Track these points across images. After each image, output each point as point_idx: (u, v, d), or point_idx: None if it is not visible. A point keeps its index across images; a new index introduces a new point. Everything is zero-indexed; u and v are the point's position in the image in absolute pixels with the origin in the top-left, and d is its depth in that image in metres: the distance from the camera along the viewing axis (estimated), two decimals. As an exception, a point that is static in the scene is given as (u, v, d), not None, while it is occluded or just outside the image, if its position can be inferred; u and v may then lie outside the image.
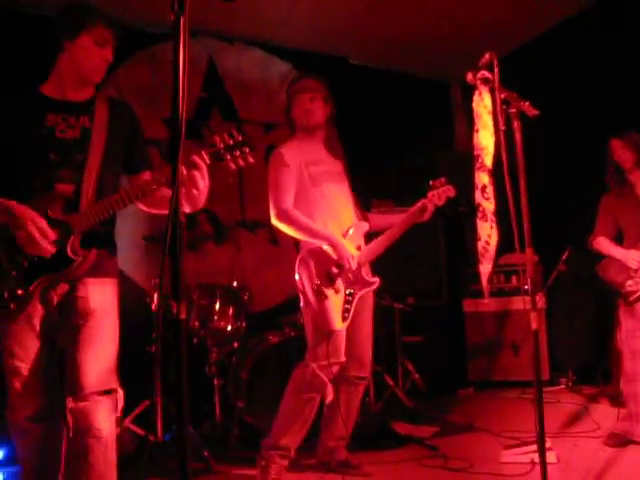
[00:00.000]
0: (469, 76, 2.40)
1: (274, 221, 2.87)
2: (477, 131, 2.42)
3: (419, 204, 2.95)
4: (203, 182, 2.00)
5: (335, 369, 2.74)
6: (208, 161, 2.01)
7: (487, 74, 2.32)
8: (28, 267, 1.97)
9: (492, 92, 2.31)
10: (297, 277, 2.76)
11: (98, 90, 2.26)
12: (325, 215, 2.89)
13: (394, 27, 4.98)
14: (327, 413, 2.99)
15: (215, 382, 3.61)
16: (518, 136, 2.21)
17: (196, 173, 1.97)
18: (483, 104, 2.36)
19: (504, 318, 5.09)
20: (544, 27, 5.05)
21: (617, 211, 3.51)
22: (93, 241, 2.07)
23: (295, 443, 2.81)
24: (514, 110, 2.22)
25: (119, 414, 2.12)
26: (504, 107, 2.23)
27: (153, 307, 3.55)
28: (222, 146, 2.01)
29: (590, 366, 4.64)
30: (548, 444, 2.74)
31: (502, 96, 2.24)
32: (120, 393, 2.11)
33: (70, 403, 2.00)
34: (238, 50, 5.15)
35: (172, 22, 1.24)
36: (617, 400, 3.73)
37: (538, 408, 2.12)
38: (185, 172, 1.95)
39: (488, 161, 2.39)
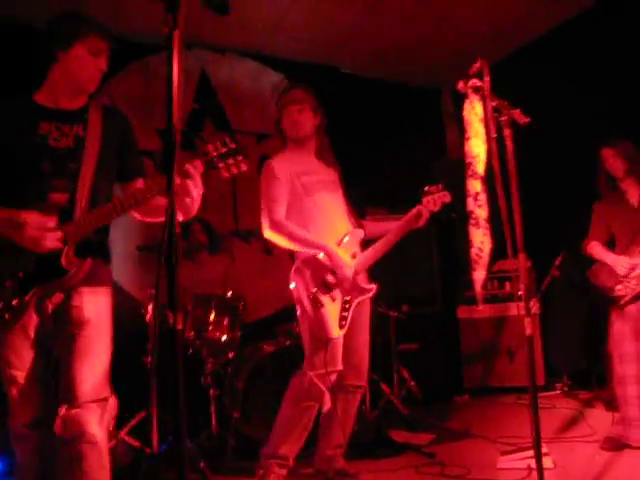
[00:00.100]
0: (460, 84, 2.42)
1: (267, 233, 2.86)
2: (468, 139, 2.44)
3: (414, 210, 2.95)
4: (196, 191, 2.00)
5: (333, 377, 2.74)
6: (202, 169, 2.01)
7: (478, 82, 2.34)
8: (23, 277, 1.97)
9: (483, 100, 2.33)
10: (292, 286, 2.76)
11: (92, 99, 2.26)
12: (319, 224, 2.88)
13: (385, 36, 5.01)
14: (324, 422, 2.97)
15: (211, 393, 3.60)
16: (509, 144, 2.23)
17: (189, 182, 1.98)
18: (474, 112, 2.38)
19: (499, 324, 5.11)
20: (534, 34, 5.09)
21: (609, 218, 3.55)
22: (87, 250, 2.07)
23: (293, 452, 2.80)
24: (505, 118, 2.24)
25: (113, 422, 2.12)
26: (495, 115, 2.25)
27: (147, 318, 3.54)
28: (215, 154, 2.02)
29: (585, 371, 4.66)
30: (544, 449, 2.74)
31: (493, 104, 2.26)
32: (112, 401, 2.12)
33: (62, 411, 2.00)
34: (230, 61, 5.18)
35: (166, 36, 1.26)
36: (612, 404, 3.74)
37: (534, 414, 2.13)
38: (178, 181, 1.95)
39: (480, 169, 2.41)
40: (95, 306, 2.11)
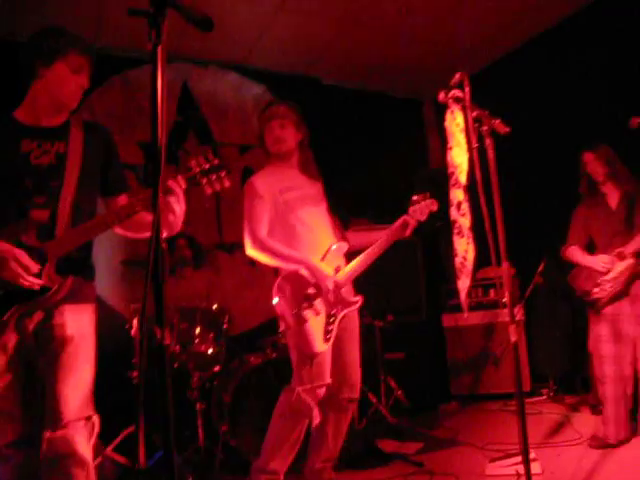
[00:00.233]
0: (441, 95, 2.44)
1: (249, 251, 2.85)
2: (450, 149, 2.46)
3: (400, 220, 2.95)
4: (179, 207, 2.00)
5: (321, 392, 2.72)
6: (184, 185, 2.01)
7: (458, 93, 2.37)
8: (2, 296, 1.93)
9: (464, 110, 2.36)
10: (275, 302, 2.75)
11: (73, 113, 2.24)
12: (303, 240, 2.87)
13: (365, 48, 5.07)
14: (315, 435, 2.95)
15: (198, 406, 3.57)
16: (491, 153, 2.26)
17: (172, 198, 1.98)
18: (455, 122, 2.41)
19: (484, 332, 5.13)
20: (513, 44, 5.18)
21: (589, 221, 3.61)
22: (69, 267, 2.04)
23: (283, 467, 2.78)
24: (486, 128, 2.27)
25: (95, 440, 2.09)
26: (476, 125, 2.27)
27: (132, 333, 3.51)
28: (198, 170, 2.02)
29: (570, 375, 4.70)
30: (532, 455, 2.77)
31: (474, 114, 2.29)
32: (95, 419, 2.09)
33: (48, 433, 1.96)
34: (212, 74, 5.19)
35: (150, 52, 1.26)
36: (598, 408, 3.79)
37: (521, 420, 2.14)
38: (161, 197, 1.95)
39: (462, 178, 2.43)
40: (78, 324, 2.08)
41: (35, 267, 1.93)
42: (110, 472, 3.33)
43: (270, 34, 4.73)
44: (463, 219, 2.49)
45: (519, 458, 2.30)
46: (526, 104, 4.69)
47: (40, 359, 2.04)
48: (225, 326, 3.76)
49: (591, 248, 3.60)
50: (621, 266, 3.36)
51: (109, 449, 3.34)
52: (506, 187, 2.32)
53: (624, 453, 3.19)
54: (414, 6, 4.47)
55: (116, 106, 4.72)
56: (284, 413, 2.75)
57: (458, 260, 2.51)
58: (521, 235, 3.57)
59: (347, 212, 5.12)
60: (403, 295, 5.28)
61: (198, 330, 3.65)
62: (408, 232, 2.96)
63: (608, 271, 3.39)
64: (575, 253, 3.60)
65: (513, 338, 2.19)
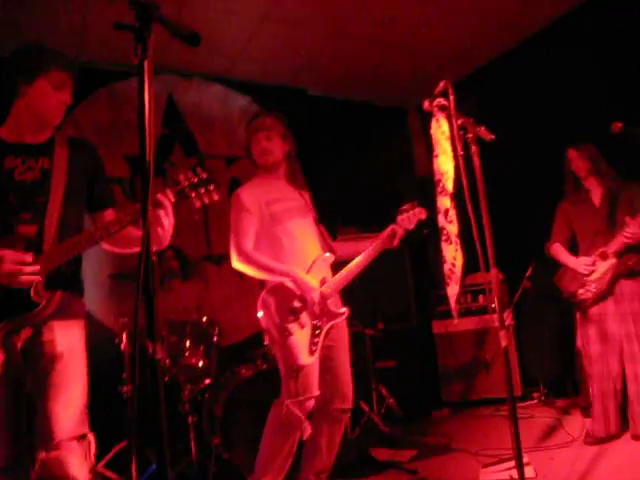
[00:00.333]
0: (426, 104, 2.46)
1: (235, 264, 2.84)
2: (437, 157, 2.48)
3: (388, 230, 2.94)
4: (168, 220, 2.00)
5: (309, 404, 2.70)
6: (173, 199, 2.01)
7: (443, 101, 2.39)
8: None
9: (449, 118, 2.38)
10: (260, 315, 2.74)
11: (57, 129, 2.24)
12: (289, 253, 2.85)
13: (350, 58, 5.10)
14: (308, 447, 2.93)
15: (189, 420, 3.55)
16: (476, 160, 2.28)
17: (161, 212, 1.98)
18: (441, 130, 2.43)
19: (474, 337, 5.15)
20: (497, 50, 5.23)
21: (572, 217, 3.67)
22: (58, 283, 2.03)
23: None
24: (471, 135, 2.29)
25: (93, 460, 2.07)
26: (461, 133, 2.30)
27: (122, 347, 3.49)
28: (187, 184, 2.03)
29: (561, 379, 4.72)
30: (525, 459, 2.77)
31: (459, 122, 2.31)
32: (91, 438, 2.07)
33: (42, 454, 1.94)
34: (197, 86, 5.20)
35: (135, 65, 1.26)
36: (588, 411, 3.81)
37: (513, 425, 2.15)
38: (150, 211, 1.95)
39: (449, 185, 2.44)
40: (68, 340, 2.06)
41: (29, 256, 1.92)
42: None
43: (255, 45, 4.75)
44: (451, 226, 2.50)
45: (512, 463, 2.31)
46: (511, 110, 4.74)
47: (29, 377, 2.01)
48: (215, 338, 3.75)
49: (574, 245, 3.66)
50: (604, 266, 3.42)
51: (100, 465, 3.30)
52: (492, 193, 2.35)
53: (617, 455, 3.21)
54: (396, 16, 4.51)
55: (102, 119, 4.72)
56: (275, 427, 2.74)
57: (447, 267, 2.52)
58: (508, 240, 3.60)
59: (335, 221, 5.17)
60: (392, 303, 5.30)
61: (188, 343, 3.64)
62: (396, 242, 2.96)
63: (591, 273, 3.44)
64: (559, 251, 3.65)
65: (503, 343, 2.20)
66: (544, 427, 3.97)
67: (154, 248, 2.00)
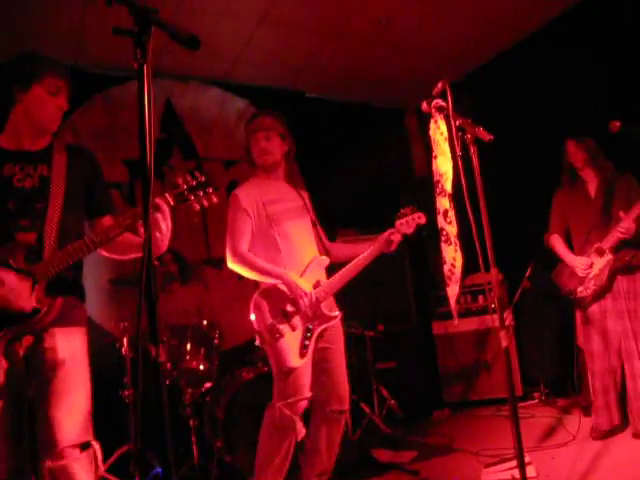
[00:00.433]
0: (424, 105, 2.47)
1: (230, 264, 2.85)
2: (435, 158, 2.49)
3: (385, 235, 2.93)
4: (165, 224, 2.00)
5: (301, 405, 2.70)
6: (172, 203, 2.02)
7: (441, 102, 2.40)
8: None
9: (447, 119, 2.39)
10: (252, 317, 2.74)
11: (55, 136, 2.25)
12: (285, 254, 2.85)
13: (348, 59, 5.10)
14: (308, 449, 2.93)
15: (191, 423, 3.55)
16: (475, 160, 2.29)
17: (158, 216, 1.98)
18: (439, 131, 2.44)
19: (474, 338, 5.16)
20: (494, 50, 5.23)
21: (567, 207, 3.69)
22: (59, 289, 2.03)
23: None
24: (470, 136, 2.29)
25: (101, 469, 2.06)
26: (460, 133, 2.30)
27: (123, 351, 3.49)
28: (185, 187, 2.03)
29: (561, 378, 4.73)
30: (527, 459, 2.77)
31: (457, 123, 2.32)
32: (96, 446, 2.06)
33: (48, 462, 1.93)
34: (195, 89, 5.20)
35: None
36: (589, 410, 3.82)
37: (515, 425, 2.15)
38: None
39: (448, 186, 2.45)
40: (70, 347, 2.06)
41: (26, 290, 1.92)
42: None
43: (252, 48, 4.75)
44: (450, 227, 2.50)
45: (514, 462, 2.32)
46: (508, 110, 4.74)
47: (31, 384, 2.01)
48: (216, 341, 3.76)
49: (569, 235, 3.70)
50: (601, 263, 3.44)
51: (102, 470, 3.30)
52: (491, 193, 2.35)
53: (617, 453, 3.22)
54: (393, 16, 4.52)
55: (100, 124, 4.72)
56: (269, 429, 2.74)
57: (446, 267, 2.52)
58: (507, 240, 3.61)
59: (334, 223, 5.17)
60: (392, 304, 5.30)
61: (189, 346, 3.65)
62: (393, 247, 2.96)
63: (586, 274, 3.47)
64: (557, 243, 3.68)
65: (504, 343, 2.20)
66: (545, 427, 3.98)
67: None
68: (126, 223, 2.02)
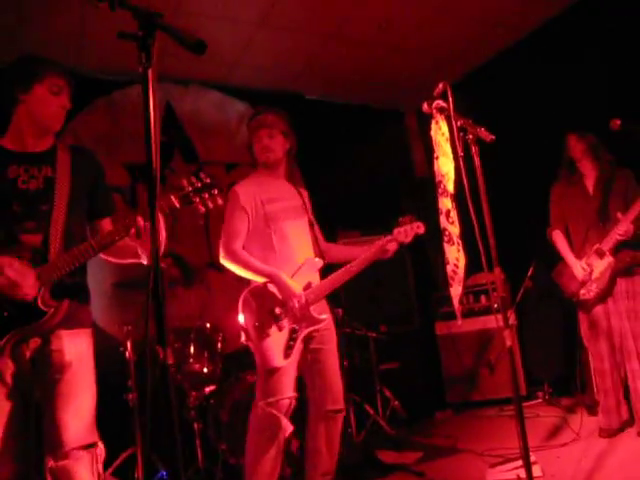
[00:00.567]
0: (425, 106, 2.48)
1: (222, 260, 2.85)
2: (437, 158, 2.49)
3: (381, 242, 2.93)
4: (162, 232, 1.98)
5: (284, 404, 2.69)
6: (177, 205, 2.02)
7: (442, 103, 2.41)
8: None
9: (448, 120, 2.39)
10: (240, 314, 2.73)
11: (58, 137, 2.26)
12: (279, 254, 2.85)
13: (347, 61, 5.11)
14: (309, 450, 2.92)
15: (195, 426, 3.55)
16: (477, 160, 2.29)
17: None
18: (441, 132, 2.44)
19: (477, 338, 5.16)
20: (493, 51, 5.24)
21: (565, 201, 3.69)
22: (65, 291, 2.04)
23: None
24: (471, 136, 2.30)
25: (101, 469, 2.07)
26: (461, 134, 2.31)
27: (127, 355, 3.49)
28: (191, 189, 2.04)
29: (565, 377, 4.72)
30: (532, 458, 2.77)
31: (458, 123, 2.32)
32: (101, 447, 2.07)
33: (50, 462, 1.95)
34: (195, 93, 5.21)
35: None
36: (594, 409, 3.83)
37: (520, 424, 2.15)
38: (141, 224, 1.96)
39: (450, 186, 2.45)
40: (76, 349, 2.07)
41: (30, 277, 1.93)
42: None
43: (252, 51, 4.77)
44: (452, 227, 2.51)
45: (519, 462, 2.32)
46: (509, 110, 4.74)
47: (37, 386, 2.02)
48: (219, 344, 3.76)
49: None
50: (602, 265, 3.44)
51: (108, 473, 3.30)
52: (492, 193, 2.36)
53: (623, 452, 3.22)
54: (393, 19, 4.53)
55: (101, 128, 4.73)
56: (255, 428, 2.73)
57: (449, 268, 2.52)
58: (509, 240, 3.61)
59: (334, 225, 5.18)
60: (395, 305, 5.30)
61: (192, 349, 3.65)
62: (388, 255, 2.96)
63: (586, 278, 3.48)
64: (559, 240, 3.69)
65: (508, 343, 2.21)
66: (549, 426, 3.98)
67: (146, 262, 2.03)
68: (125, 231, 2.02)
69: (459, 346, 5.22)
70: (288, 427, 2.70)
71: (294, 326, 2.75)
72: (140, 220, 1.96)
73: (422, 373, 5.32)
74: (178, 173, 4.95)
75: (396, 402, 4.60)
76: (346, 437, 3.88)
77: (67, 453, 1.95)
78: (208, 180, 2.04)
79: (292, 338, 2.74)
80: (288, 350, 2.71)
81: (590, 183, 3.61)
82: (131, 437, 3.43)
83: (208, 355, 3.67)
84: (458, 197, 2.46)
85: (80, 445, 1.98)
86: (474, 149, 2.29)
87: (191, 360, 3.65)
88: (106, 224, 2.30)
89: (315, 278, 2.91)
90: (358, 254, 2.94)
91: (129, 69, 4.25)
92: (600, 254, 3.44)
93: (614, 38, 4.16)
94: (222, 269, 4.38)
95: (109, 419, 2.43)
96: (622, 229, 3.32)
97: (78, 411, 2.01)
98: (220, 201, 2.07)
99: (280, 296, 2.75)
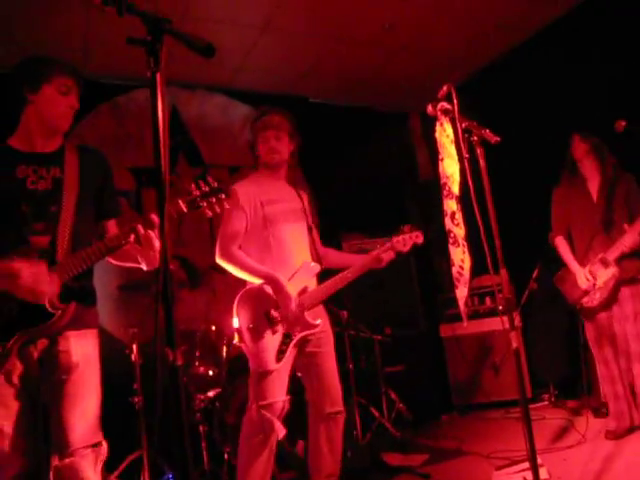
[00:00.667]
0: (429, 108, 2.48)
1: (218, 259, 2.85)
2: (442, 160, 2.50)
3: (378, 251, 2.95)
4: (159, 242, 1.95)
5: (277, 407, 2.68)
6: (185, 209, 2.03)
7: (447, 105, 2.41)
8: (5, 323, 1.93)
9: (453, 122, 2.40)
10: (234, 316, 2.72)
11: (66, 137, 2.26)
12: (276, 257, 2.84)
13: (351, 64, 5.12)
14: (311, 453, 2.92)
15: (200, 429, 3.55)
16: (482, 162, 2.30)
17: (151, 233, 1.99)
18: (445, 134, 2.45)
19: (481, 340, 5.15)
20: (497, 53, 5.25)
21: (568, 206, 3.67)
22: (72, 293, 2.04)
23: None
24: (476, 138, 2.30)
25: (101, 465, 2.08)
26: (466, 136, 2.31)
27: (133, 358, 3.50)
28: (198, 194, 2.04)
29: (570, 379, 4.72)
30: (539, 460, 2.77)
31: (463, 125, 2.33)
32: (104, 446, 2.09)
33: (55, 461, 1.96)
34: (200, 97, 5.23)
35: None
36: (600, 411, 3.82)
37: (527, 426, 2.15)
38: (142, 231, 1.96)
39: (455, 188, 2.46)
40: (83, 350, 2.08)
41: (44, 273, 1.94)
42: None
43: (256, 55, 4.78)
44: (457, 229, 2.51)
45: (525, 465, 2.31)
46: (513, 111, 4.75)
47: (45, 386, 2.04)
48: (224, 347, 3.76)
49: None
50: (606, 275, 3.43)
51: (113, 476, 3.31)
52: (497, 195, 2.36)
53: (630, 453, 3.21)
54: (396, 22, 4.54)
55: (106, 132, 4.74)
56: (247, 433, 2.72)
57: (455, 269, 2.53)
58: (514, 242, 3.61)
59: (340, 227, 5.19)
60: (399, 307, 5.30)
61: (198, 352, 3.66)
62: (383, 264, 2.97)
63: (588, 288, 3.48)
64: (561, 247, 3.68)
65: (514, 344, 2.21)
66: (555, 428, 3.97)
67: (146, 268, 2.05)
68: (131, 235, 2.02)
69: (464, 348, 5.22)
70: (281, 430, 2.69)
71: (288, 330, 2.74)
72: (140, 228, 1.97)
73: (427, 375, 5.32)
74: (183, 177, 4.96)
75: (401, 404, 4.60)
76: (352, 440, 3.89)
77: (73, 453, 1.97)
78: (215, 184, 2.05)
79: (285, 342, 2.72)
80: (280, 354, 2.70)
81: (593, 187, 3.59)
82: (137, 440, 3.44)
83: (213, 358, 3.68)
84: (463, 199, 2.46)
85: (86, 445, 2.00)
86: (479, 151, 2.30)
87: (196, 363, 3.66)
88: (112, 226, 2.30)
89: (311, 283, 2.89)
90: (354, 261, 2.97)
91: (134, 74, 4.27)
92: (605, 263, 3.43)
93: (620, 39, 4.16)
94: (225, 272, 4.39)
95: (115, 422, 2.44)
96: (629, 241, 3.31)
97: (84, 412, 2.03)
98: (227, 205, 2.08)
99: (275, 297, 2.74)
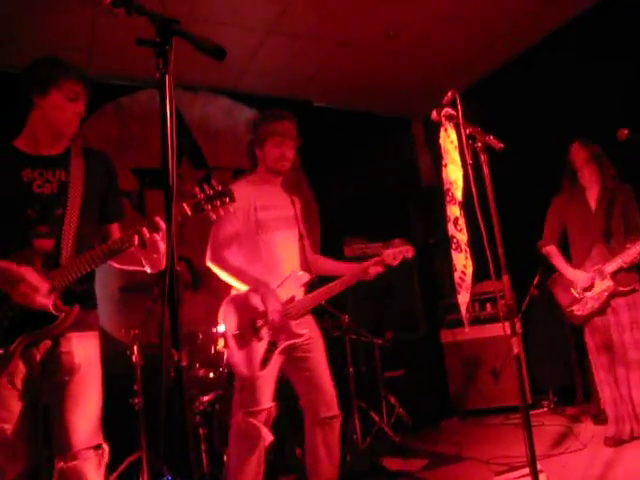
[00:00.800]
0: (434, 113, 2.48)
1: (208, 263, 2.84)
2: (445, 166, 2.50)
3: (367, 264, 2.95)
4: (164, 244, 1.97)
5: (263, 414, 2.67)
6: (189, 212, 2.02)
7: (451, 111, 2.42)
8: (8, 325, 1.93)
9: (457, 128, 2.40)
10: (220, 322, 2.71)
11: (71, 142, 2.25)
12: (265, 264, 2.81)
13: (355, 69, 5.14)
14: (309, 458, 2.90)
15: (200, 431, 3.55)
16: (486, 168, 2.30)
17: (156, 236, 1.98)
18: (449, 140, 2.45)
19: (482, 346, 5.15)
20: (501, 59, 5.27)
21: (566, 215, 3.68)
22: (75, 296, 2.04)
23: None
24: (480, 144, 2.31)
25: (104, 468, 2.08)
26: (470, 142, 2.32)
27: (133, 359, 3.50)
28: (203, 197, 2.03)
29: (569, 386, 4.72)
30: (539, 467, 2.76)
31: (467, 131, 2.33)
32: (106, 448, 2.09)
33: (60, 464, 1.96)
34: (203, 99, 5.24)
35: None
36: (599, 418, 3.82)
37: (527, 432, 2.15)
38: (147, 235, 1.96)
39: (458, 194, 2.46)
40: (85, 351, 2.08)
41: (45, 288, 1.93)
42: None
43: (261, 58, 4.80)
44: (460, 234, 2.51)
45: (525, 471, 2.31)
46: (517, 118, 4.76)
47: (46, 388, 2.03)
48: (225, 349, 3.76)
49: (564, 243, 3.71)
50: (602, 286, 3.44)
51: (112, 477, 3.30)
52: (500, 201, 2.36)
53: (629, 460, 3.21)
54: (401, 28, 4.55)
55: (109, 133, 4.76)
56: (236, 437, 2.72)
57: (457, 275, 2.53)
58: (515, 248, 3.61)
59: (341, 232, 5.20)
60: (400, 312, 5.30)
61: (199, 354, 3.65)
62: (369, 277, 2.97)
63: (583, 295, 3.48)
64: (553, 254, 3.69)
65: (515, 350, 2.21)
66: (555, 435, 3.97)
67: (150, 271, 2.04)
68: (134, 239, 2.01)
69: (464, 354, 5.22)
70: (268, 436, 2.68)
71: (273, 339, 2.72)
72: (145, 231, 1.97)
73: (427, 380, 5.32)
74: (186, 179, 4.97)
75: (401, 409, 4.60)
76: (351, 444, 3.89)
77: (75, 454, 1.97)
78: (220, 188, 2.04)
79: (270, 350, 2.71)
80: (265, 362, 2.68)
81: (591, 196, 3.60)
82: (136, 441, 3.43)
83: (214, 360, 3.68)
84: (466, 205, 2.47)
85: (87, 446, 2.00)
86: (483, 157, 2.30)
87: (197, 365, 3.65)
88: (115, 229, 2.30)
89: (299, 292, 2.87)
90: (343, 269, 2.98)
91: (138, 74, 4.26)
92: (602, 275, 3.44)
93: (624, 48, 4.17)
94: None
95: (115, 423, 2.44)
96: (629, 259, 3.32)
97: (86, 413, 2.03)
98: (232, 209, 2.08)
99: (262, 306, 2.71)
